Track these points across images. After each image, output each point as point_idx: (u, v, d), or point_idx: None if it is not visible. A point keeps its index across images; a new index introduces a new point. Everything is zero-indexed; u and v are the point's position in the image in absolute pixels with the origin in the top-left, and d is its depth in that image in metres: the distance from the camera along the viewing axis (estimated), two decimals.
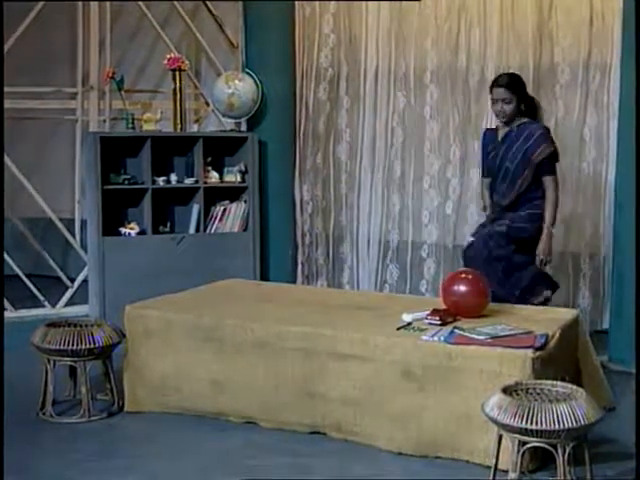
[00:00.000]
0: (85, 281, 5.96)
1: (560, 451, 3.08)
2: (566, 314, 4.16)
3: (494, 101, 4.80)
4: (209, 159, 5.96)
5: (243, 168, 6.03)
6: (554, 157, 4.78)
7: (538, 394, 3.31)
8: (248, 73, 6.12)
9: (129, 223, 5.74)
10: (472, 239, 4.96)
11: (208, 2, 6.35)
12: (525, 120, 4.79)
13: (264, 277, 6.08)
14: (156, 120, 5.83)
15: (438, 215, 6.14)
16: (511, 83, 4.76)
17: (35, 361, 4.33)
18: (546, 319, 4.01)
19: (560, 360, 3.78)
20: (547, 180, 4.73)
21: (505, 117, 4.78)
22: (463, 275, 4.11)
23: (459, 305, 4.02)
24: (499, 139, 4.88)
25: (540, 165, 4.71)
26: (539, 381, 3.39)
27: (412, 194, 6.22)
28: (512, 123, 4.81)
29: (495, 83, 4.81)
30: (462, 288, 4.03)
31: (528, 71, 5.70)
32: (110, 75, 5.77)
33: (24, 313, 5.77)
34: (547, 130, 4.83)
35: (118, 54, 6.46)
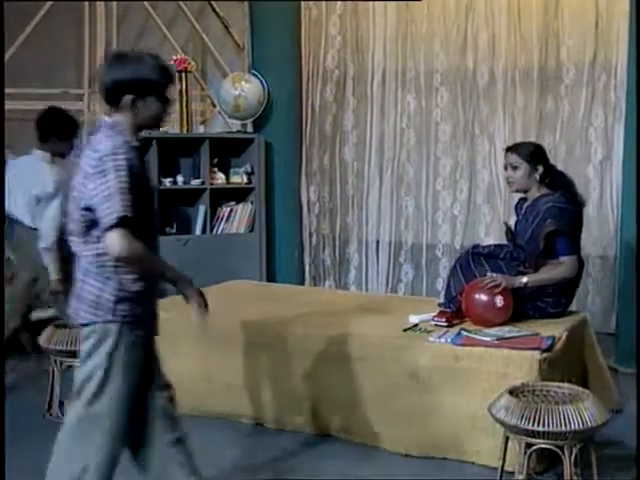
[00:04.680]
0: None
1: (567, 453, 3.07)
2: (573, 316, 4.14)
3: (505, 167, 4.18)
4: (215, 160, 5.97)
5: (249, 169, 6.04)
6: (568, 233, 3.97)
7: (545, 396, 3.30)
8: (254, 74, 6.12)
9: None
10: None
11: (214, 3, 6.36)
12: (543, 192, 4.07)
13: (270, 278, 6.08)
14: None
15: (451, 216, 6.15)
16: (522, 149, 4.13)
17: (42, 362, 4.34)
18: (553, 321, 3.99)
19: (567, 362, 3.77)
20: (564, 260, 3.96)
21: (513, 186, 4.14)
22: (484, 284, 3.87)
23: (479, 315, 3.88)
24: (522, 212, 4.19)
25: (550, 244, 3.95)
26: (546, 383, 3.38)
27: (425, 195, 6.23)
28: (531, 195, 4.12)
29: (506, 149, 4.23)
30: (484, 298, 3.85)
31: (533, 71, 5.72)
32: None
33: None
34: (565, 202, 3.99)
35: None
